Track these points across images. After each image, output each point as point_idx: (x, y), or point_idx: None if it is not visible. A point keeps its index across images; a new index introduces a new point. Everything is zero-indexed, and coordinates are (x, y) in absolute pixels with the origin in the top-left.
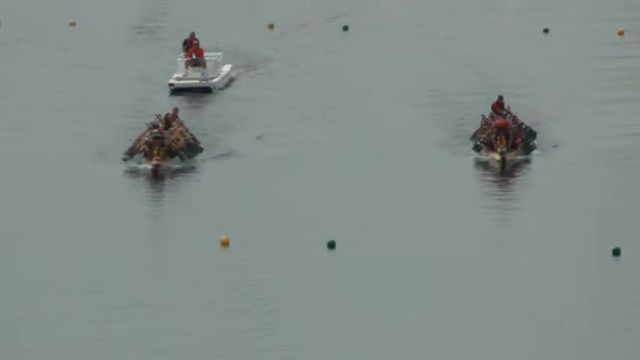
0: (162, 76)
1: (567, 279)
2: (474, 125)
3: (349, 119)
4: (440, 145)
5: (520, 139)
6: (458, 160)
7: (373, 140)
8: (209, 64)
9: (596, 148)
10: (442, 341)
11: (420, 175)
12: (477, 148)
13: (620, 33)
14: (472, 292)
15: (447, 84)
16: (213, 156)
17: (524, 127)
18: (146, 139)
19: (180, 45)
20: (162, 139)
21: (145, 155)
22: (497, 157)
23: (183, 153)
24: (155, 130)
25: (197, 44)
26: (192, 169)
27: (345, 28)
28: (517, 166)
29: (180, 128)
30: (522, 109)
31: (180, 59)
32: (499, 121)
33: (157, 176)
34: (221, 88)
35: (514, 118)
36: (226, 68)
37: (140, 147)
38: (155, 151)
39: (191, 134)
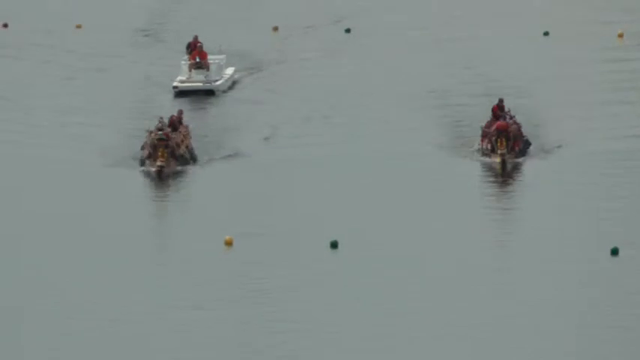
0: (166, 79)
1: (566, 279)
2: (475, 127)
3: (352, 121)
4: (441, 147)
5: (518, 147)
6: (459, 161)
7: (376, 142)
8: (212, 67)
9: (595, 149)
10: (443, 341)
11: (421, 176)
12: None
13: (620, 35)
14: (472, 292)
15: (449, 86)
16: (216, 157)
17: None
18: (151, 140)
19: (183, 48)
20: (167, 140)
21: (149, 157)
22: (497, 158)
23: (184, 156)
24: (160, 132)
25: (201, 47)
26: (195, 170)
27: (348, 30)
28: (517, 167)
29: (185, 140)
30: (522, 112)
31: (184, 62)
32: (499, 123)
33: (160, 177)
34: (224, 91)
35: (514, 121)
36: (230, 71)
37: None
38: (159, 153)
39: (191, 149)
